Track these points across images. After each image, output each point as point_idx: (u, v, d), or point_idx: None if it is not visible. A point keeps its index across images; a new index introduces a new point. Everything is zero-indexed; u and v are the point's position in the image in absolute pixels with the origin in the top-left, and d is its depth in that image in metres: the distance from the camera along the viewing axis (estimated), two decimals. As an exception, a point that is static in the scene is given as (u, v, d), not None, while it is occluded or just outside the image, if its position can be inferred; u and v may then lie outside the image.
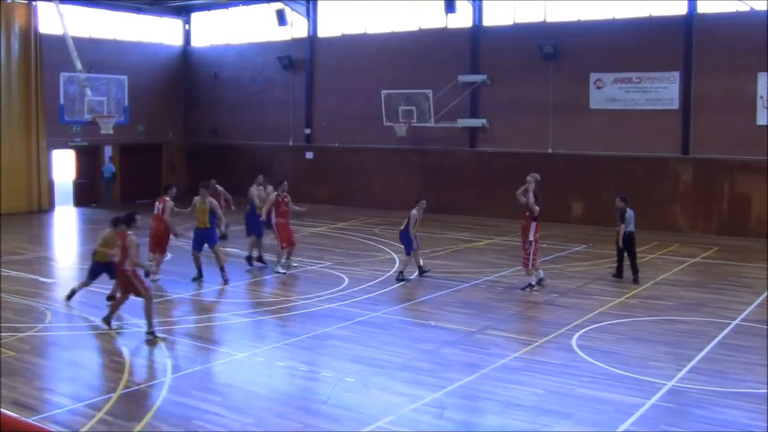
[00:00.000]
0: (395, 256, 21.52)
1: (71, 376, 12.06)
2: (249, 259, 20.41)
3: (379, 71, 32.38)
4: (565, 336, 13.96)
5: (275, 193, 19.94)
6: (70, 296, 16.16)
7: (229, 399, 10.80)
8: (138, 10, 36.52)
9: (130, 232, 13.91)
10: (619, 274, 19.10)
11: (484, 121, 30.39)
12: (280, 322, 14.98)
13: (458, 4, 30.15)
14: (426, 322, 15.17)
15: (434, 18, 31.60)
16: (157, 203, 19.07)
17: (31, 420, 2.89)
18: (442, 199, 30.03)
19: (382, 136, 32.02)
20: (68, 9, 31.10)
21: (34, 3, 32.10)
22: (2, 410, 2.99)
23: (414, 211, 18.94)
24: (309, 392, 11.40)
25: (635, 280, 18.59)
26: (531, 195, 17.79)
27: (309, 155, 35.10)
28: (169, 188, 19.43)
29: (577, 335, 13.98)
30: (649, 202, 26.27)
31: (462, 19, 30.79)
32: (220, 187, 23.51)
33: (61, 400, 10.85)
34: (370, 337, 13.93)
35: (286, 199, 19.91)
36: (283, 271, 19.62)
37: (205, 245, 18.56)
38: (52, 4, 27.93)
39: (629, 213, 18.96)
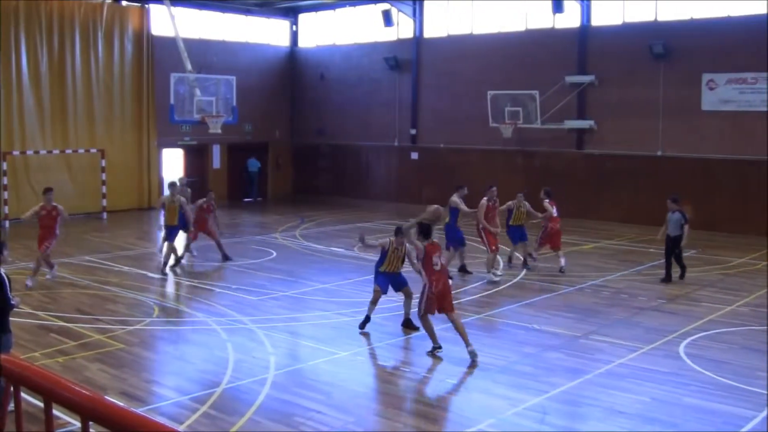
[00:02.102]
0: (498, 257, 21.37)
1: (177, 369, 12.32)
2: (463, 269, 19.74)
3: (485, 72, 32.16)
4: (672, 343, 13.60)
5: (485, 198, 19.41)
6: (408, 324, 14.62)
7: (331, 397, 10.86)
8: (246, 11, 37.19)
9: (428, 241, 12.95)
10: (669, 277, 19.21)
11: (592, 122, 29.86)
12: (382, 322, 14.99)
13: (566, 4, 29.70)
14: (529, 325, 14.99)
15: (541, 18, 31.24)
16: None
17: (139, 411, 2.93)
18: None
19: (487, 137, 31.79)
20: (179, 11, 31.86)
21: (147, 6, 33.03)
22: (112, 400, 3.05)
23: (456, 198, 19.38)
24: (410, 392, 11.40)
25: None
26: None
27: (414, 155, 35.14)
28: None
29: (684, 343, 13.60)
30: (765, 208, 25.37)
31: (570, 18, 30.33)
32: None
33: (167, 392, 11.11)
34: (473, 339, 13.77)
35: (496, 205, 19.65)
36: (500, 274, 19.44)
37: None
38: (164, 7, 28.60)
39: (671, 216, 18.99)
